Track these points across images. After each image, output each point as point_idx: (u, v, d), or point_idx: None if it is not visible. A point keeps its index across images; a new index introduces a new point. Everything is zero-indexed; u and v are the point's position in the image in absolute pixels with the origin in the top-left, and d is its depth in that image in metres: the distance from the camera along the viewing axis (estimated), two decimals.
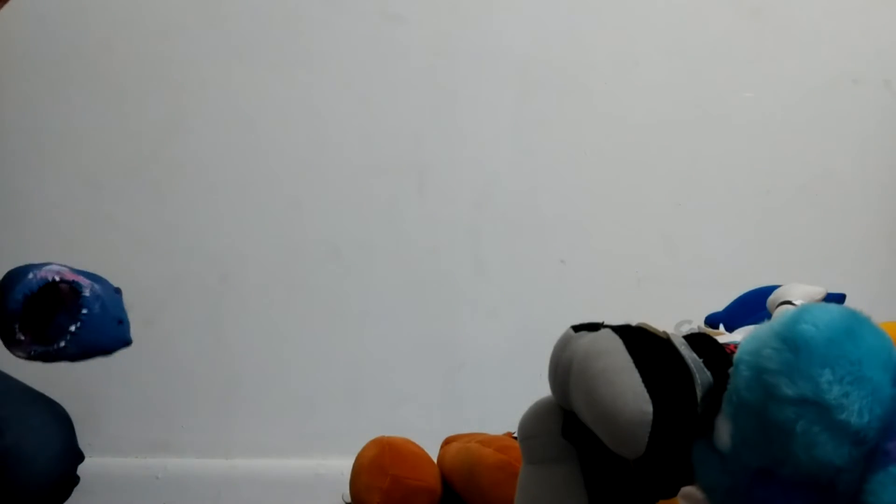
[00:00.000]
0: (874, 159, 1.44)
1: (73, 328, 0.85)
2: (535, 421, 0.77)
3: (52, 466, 0.92)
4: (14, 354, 0.86)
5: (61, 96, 1.35)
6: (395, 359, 1.39)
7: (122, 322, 0.90)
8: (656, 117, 1.41)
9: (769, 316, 0.87)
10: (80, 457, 0.97)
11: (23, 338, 0.85)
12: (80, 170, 1.35)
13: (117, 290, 0.91)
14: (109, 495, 1.33)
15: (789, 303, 0.85)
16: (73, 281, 0.87)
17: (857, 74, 1.43)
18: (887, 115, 1.43)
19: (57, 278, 0.86)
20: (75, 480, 0.97)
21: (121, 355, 1.39)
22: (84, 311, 0.86)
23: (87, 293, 0.87)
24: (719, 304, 1.03)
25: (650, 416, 0.60)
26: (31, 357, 0.86)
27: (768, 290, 0.92)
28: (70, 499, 0.98)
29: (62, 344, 0.85)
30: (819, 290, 0.87)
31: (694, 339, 0.67)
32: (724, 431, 0.61)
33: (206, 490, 1.35)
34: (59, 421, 0.96)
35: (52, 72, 1.35)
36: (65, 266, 0.88)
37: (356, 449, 1.10)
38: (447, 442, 1.14)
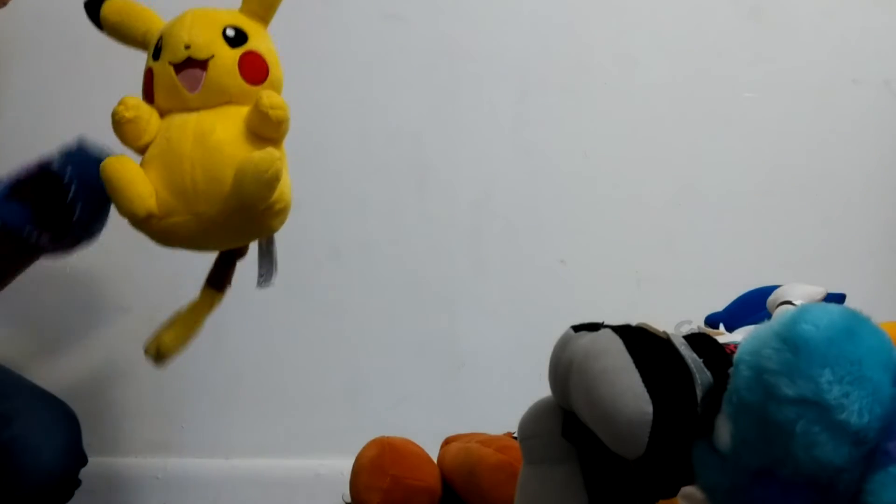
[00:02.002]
0: (874, 159, 1.44)
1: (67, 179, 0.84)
2: (535, 421, 0.77)
3: (56, 461, 0.93)
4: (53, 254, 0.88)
5: (60, 95, 1.35)
6: (395, 359, 1.39)
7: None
8: (656, 117, 1.42)
9: (769, 316, 0.87)
10: (83, 459, 0.98)
11: (41, 238, 0.85)
12: None
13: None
14: (109, 495, 1.33)
15: (789, 303, 0.85)
16: (38, 170, 0.86)
17: (857, 74, 1.43)
18: (887, 115, 1.43)
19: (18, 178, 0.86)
20: (77, 482, 0.97)
21: (121, 355, 1.40)
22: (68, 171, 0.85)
23: (55, 166, 0.85)
24: (719, 304, 1.03)
25: (650, 417, 0.61)
26: (56, 244, 0.86)
27: (768, 290, 0.92)
28: (70, 498, 0.98)
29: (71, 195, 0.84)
30: (819, 290, 0.87)
31: (694, 339, 0.67)
32: (724, 431, 0.61)
33: (206, 490, 1.35)
34: (66, 419, 0.96)
35: (52, 70, 1.35)
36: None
37: (356, 449, 1.10)
38: (447, 442, 1.14)
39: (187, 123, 0.83)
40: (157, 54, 0.85)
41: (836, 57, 1.43)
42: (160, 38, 0.85)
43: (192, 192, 0.80)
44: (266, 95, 0.82)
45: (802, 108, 1.43)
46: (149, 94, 0.85)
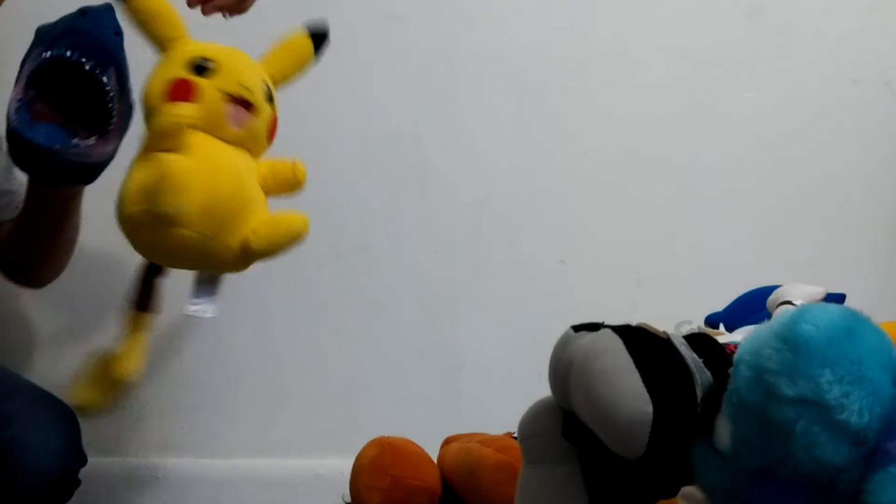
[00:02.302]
0: (874, 159, 1.44)
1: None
2: (535, 421, 0.77)
3: (55, 461, 0.92)
4: (99, 154, 0.86)
5: None
6: (395, 359, 1.39)
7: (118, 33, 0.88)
8: (656, 117, 1.42)
9: (769, 316, 0.87)
10: (83, 459, 0.97)
11: (88, 139, 0.85)
12: None
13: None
14: (109, 495, 1.33)
15: (789, 303, 0.85)
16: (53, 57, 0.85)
17: (857, 74, 1.43)
18: (887, 115, 1.43)
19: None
20: (76, 483, 0.97)
21: None
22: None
23: (54, 54, 0.84)
24: (719, 304, 1.03)
25: (650, 416, 0.61)
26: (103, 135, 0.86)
27: (768, 290, 0.92)
28: (70, 498, 0.98)
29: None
30: (819, 290, 0.87)
31: (694, 339, 0.67)
32: (724, 431, 0.61)
33: (206, 490, 1.35)
34: (66, 419, 0.96)
35: None
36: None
37: (356, 449, 1.10)
38: (447, 442, 1.15)
39: (225, 154, 0.88)
40: (201, 72, 0.88)
41: (836, 57, 1.43)
42: (207, 59, 0.89)
43: (216, 219, 0.85)
44: (303, 167, 0.96)
45: (802, 108, 1.43)
46: (177, 99, 0.87)
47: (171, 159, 0.81)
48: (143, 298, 0.94)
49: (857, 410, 0.56)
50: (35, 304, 1.33)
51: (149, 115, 0.88)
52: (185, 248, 0.85)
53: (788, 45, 1.43)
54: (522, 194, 1.40)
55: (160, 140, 0.84)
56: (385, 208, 1.39)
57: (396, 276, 1.39)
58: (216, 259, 0.88)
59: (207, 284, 0.95)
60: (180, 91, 0.87)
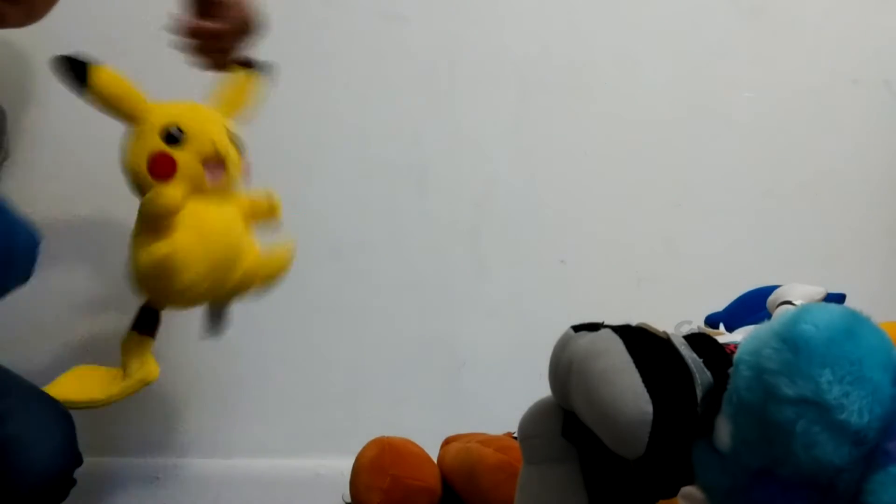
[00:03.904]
0: (874, 159, 1.44)
1: None
2: (535, 421, 0.77)
3: (50, 460, 0.92)
4: None
5: (60, 95, 1.34)
6: (395, 359, 1.39)
7: None
8: (656, 117, 1.42)
9: (769, 316, 0.87)
10: (78, 459, 0.97)
11: None
12: (80, 170, 1.35)
13: None
14: (109, 495, 1.33)
15: (789, 303, 0.85)
16: None
17: (857, 74, 1.43)
18: (887, 115, 1.43)
19: None
20: (72, 482, 0.97)
21: (120, 356, 1.39)
22: None
23: None
24: (719, 304, 1.03)
25: (650, 416, 0.61)
26: None
27: (768, 290, 0.92)
28: (69, 498, 0.98)
29: None
30: (819, 290, 0.87)
31: (694, 339, 0.67)
32: (724, 431, 0.61)
33: (206, 490, 1.35)
34: (61, 418, 0.96)
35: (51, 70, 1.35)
36: None
37: (356, 449, 1.10)
38: (447, 442, 1.14)
39: (210, 214, 0.96)
40: (173, 141, 0.94)
41: (836, 57, 1.43)
42: (177, 128, 0.94)
43: (219, 272, 0.97)
44: (278, 199, 1.06)
45: (802, 108, 1.43)
46: (161, 175, 0.93)
47: (168, 248, 0.89)
48: (147, 323, 1.03)
49: (857, 410, 0.56)
50: (32, 302, 1.33)
51: (139, 189, 0.95)
52: (198, 299, 0.99)
53: (788, 45, 1.43)
54: (522, 194, 1.40)
55: (154, 220, 0.91)
56: (385, 208, 1.39)
57: (396, 275, 1.39)
58: (225, 298, 1.04)
59: (218, 312, 1.08)
60: (161, 167, 0.93)
